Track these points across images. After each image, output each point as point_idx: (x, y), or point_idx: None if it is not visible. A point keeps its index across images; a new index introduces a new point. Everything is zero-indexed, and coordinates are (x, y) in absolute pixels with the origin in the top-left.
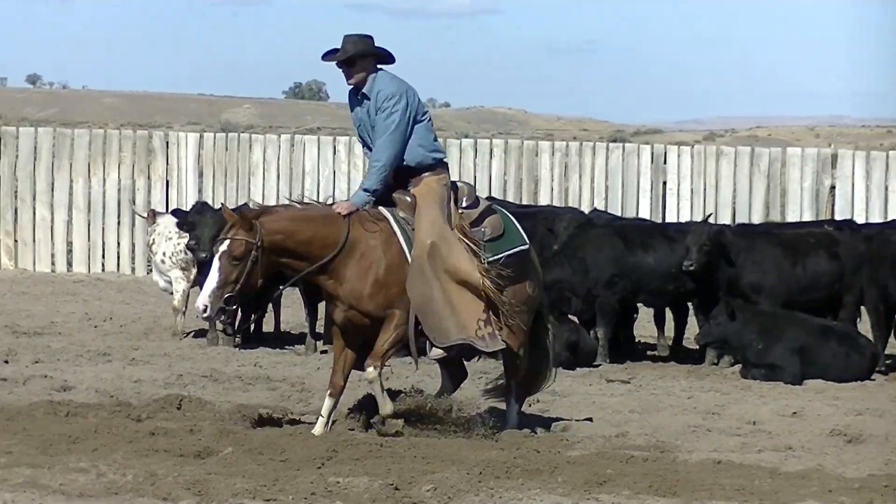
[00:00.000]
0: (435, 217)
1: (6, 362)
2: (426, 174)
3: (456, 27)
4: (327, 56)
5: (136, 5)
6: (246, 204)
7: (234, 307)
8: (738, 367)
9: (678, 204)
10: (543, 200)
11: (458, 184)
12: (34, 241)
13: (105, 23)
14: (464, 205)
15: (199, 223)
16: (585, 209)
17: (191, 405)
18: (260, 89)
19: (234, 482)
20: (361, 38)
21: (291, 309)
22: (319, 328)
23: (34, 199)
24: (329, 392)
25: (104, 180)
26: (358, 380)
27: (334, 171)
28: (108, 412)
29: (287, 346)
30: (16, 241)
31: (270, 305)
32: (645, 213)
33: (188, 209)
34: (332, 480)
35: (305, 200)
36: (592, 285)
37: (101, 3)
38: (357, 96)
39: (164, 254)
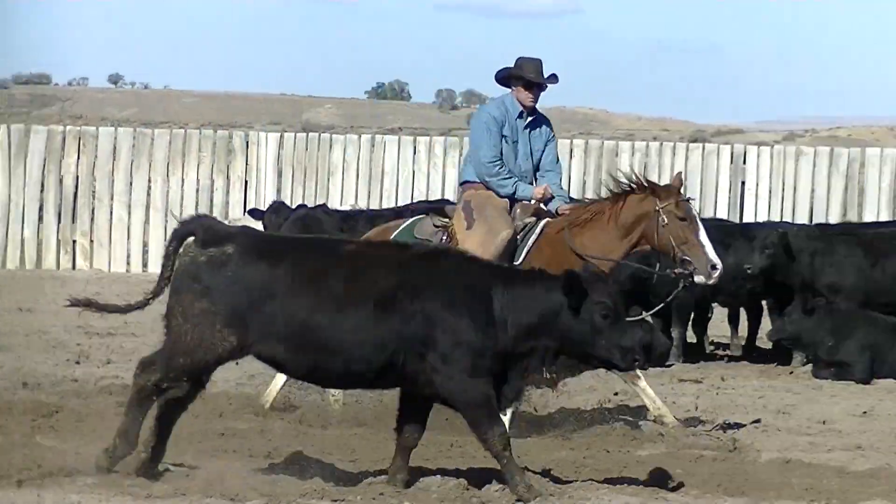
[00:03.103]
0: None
1: (78, 363)
2: None
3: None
4: (551, 78)
5: (219, 4)
6: (324, 205)
7: None
8: (810, 366)
9: (756, 204)
10: None
11: None
12: (110, 241)
13: (188, 22)
14: None
15: (274, 223)
16: None
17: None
18: (342, 89)
19: None
20: None
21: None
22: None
23: (112, 199)
24: None
25: (183, 180)
26: None
27: (414, 172)
28: None
29: None
30: (91, 241)
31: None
32: (723, 213)
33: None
34: None
35: None
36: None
37: (184, 1)
38: (528, 117)
39: None
